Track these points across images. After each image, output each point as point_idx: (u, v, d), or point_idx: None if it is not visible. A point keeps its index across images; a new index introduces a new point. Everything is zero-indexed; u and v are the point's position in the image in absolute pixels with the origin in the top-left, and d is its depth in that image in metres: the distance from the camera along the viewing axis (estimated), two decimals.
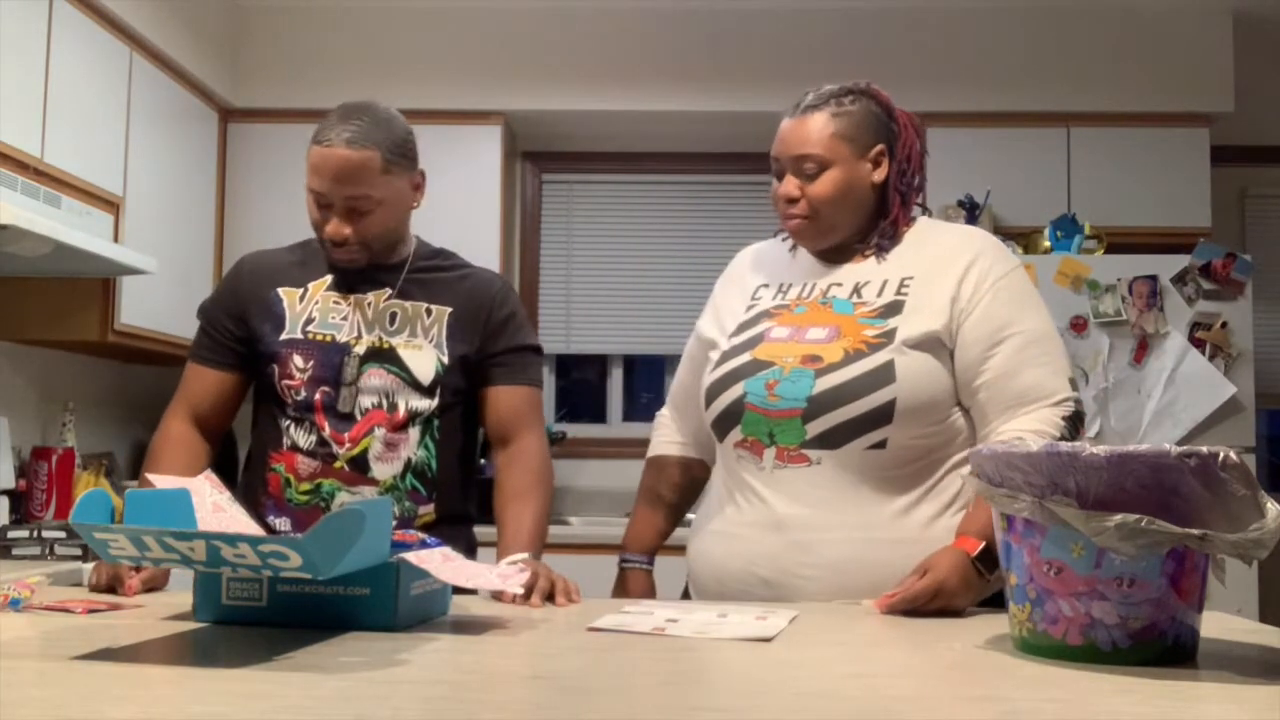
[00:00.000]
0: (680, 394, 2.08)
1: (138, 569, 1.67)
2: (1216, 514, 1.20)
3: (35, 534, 2.89)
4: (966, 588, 1.65)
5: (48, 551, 2.82)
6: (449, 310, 1.99)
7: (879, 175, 1.87)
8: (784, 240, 1.99)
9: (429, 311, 1.98)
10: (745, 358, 1.85)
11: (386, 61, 4.29)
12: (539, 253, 4.74)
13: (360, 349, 1.94)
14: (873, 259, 1.88)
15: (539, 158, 4.75)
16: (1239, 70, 4.30)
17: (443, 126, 4.03)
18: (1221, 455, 1.19)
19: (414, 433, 1.94)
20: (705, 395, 1.89)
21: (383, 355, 1.94)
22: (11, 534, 2.93)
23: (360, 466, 1.92)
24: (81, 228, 3.18)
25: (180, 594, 1.62)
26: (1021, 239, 4.09)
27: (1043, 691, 1.15)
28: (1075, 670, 1.22)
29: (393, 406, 1.93)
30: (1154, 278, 3.84)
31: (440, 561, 1.47)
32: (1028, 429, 1.73)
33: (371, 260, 1.96)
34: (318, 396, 1.92)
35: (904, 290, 1.83)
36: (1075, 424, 1.77)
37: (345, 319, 1.96)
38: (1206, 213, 4.22)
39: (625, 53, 4.36)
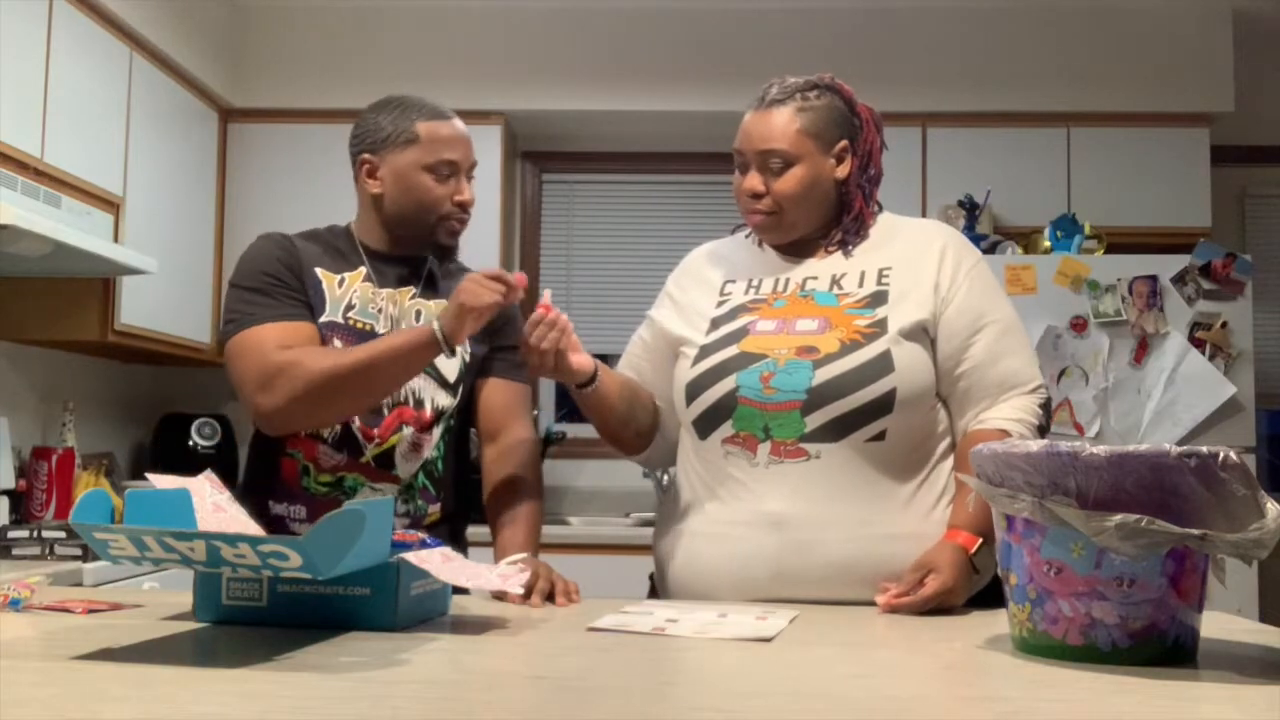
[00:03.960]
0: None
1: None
2: (1216, 514, 1.20)
3: (35, 534, 2.89)
4: (966, 586, 1.67)
5: (48, 551, 2.81)
6: None
7: (842, 171, 1.87)
8: (746, 236, 1.99)
9: None
10: (732, 351, 1.81)
11: (386, 61, 4.29)
12: (539, 253, 4.74)
13: None
14: (838, 253, 1.89)
15: (539, 158, 4.75)
16: (1239, 70, 4.30)
17: None
18: (1221, 455, 1.19)
19: (436, 432, 1.94)
20: (686, 392, 1.84)
21: None
22: (11, 534, 2.93)
23: (386, 463, 1.91)
24: (81, 228, 3.17)
25: (180, 594, 1.62)
26: (1021, 239, 4.09)
27: (1043, 691, 1.15)
28: (1075, 670, 1.22)
29: (419, 404, 1.93)
30: (1154, 278, 3.84)
31: (440, 561, 1.47)
32: (1011, 417, 1.78)
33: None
34: None
35: (885, 281, 1.83)
36: (1047, 410, 1.85)
37: (380, 312, 1.95)
38: (1206, 213, 4.22)
39: (625, 53, 4.36)
